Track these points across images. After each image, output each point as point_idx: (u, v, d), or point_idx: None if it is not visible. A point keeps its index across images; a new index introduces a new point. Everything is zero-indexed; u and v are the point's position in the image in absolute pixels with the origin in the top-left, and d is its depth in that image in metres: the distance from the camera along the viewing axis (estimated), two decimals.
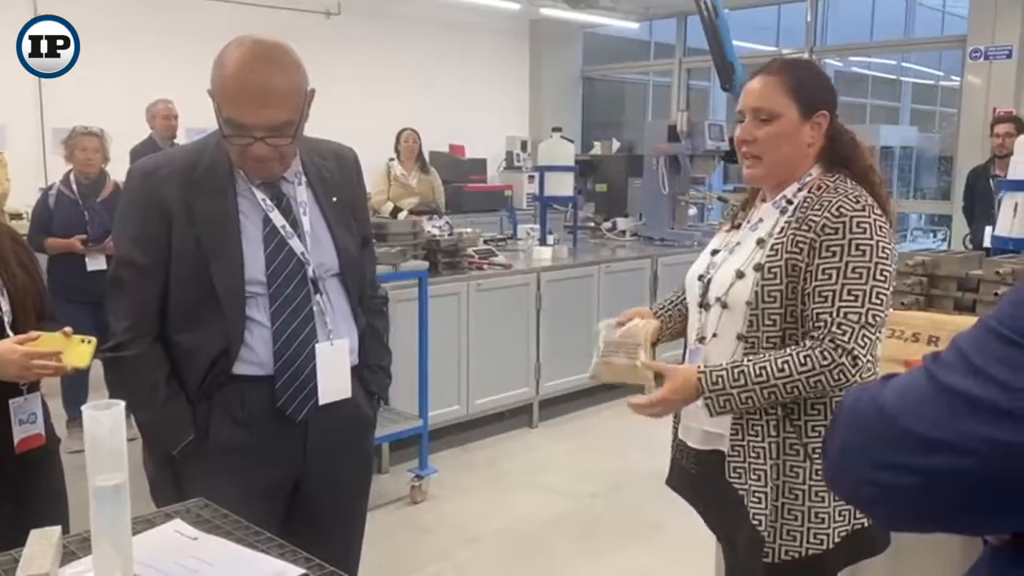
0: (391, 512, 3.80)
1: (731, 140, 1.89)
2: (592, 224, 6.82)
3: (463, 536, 3.58)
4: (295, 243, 1.75)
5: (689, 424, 1.82)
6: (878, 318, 1.58)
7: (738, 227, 1.81)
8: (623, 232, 6.43)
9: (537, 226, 5.83)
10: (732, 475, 1.69)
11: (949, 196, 7.74)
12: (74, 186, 4.40)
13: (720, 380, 1.60)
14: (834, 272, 1.59)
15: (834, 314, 1.57)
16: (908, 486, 0.67)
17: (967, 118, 7.21)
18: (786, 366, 1.57)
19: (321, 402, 1.77)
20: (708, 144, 5.97)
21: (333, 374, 1.79)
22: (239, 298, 1.69)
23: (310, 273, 1.76)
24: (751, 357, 1.62)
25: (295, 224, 1.76)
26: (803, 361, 1.56)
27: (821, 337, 1.57)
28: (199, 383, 1.72)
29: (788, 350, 1.60)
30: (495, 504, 3.92)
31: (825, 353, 1.55)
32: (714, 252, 1.82)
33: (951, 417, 0.64)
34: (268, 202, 1.74)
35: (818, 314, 1.59)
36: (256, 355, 1.72)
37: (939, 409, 0.65)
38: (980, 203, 5.53)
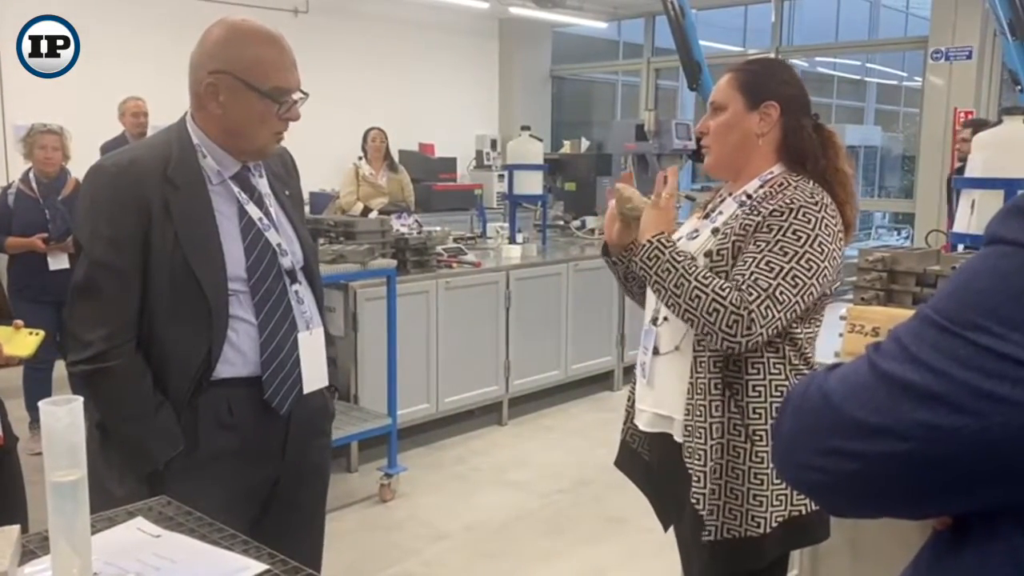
0: (360, 510, 3.79)
1: (698, 139, 1.94)
2: (561, 223, 6.85)
3: (432, 533, 3.58)
4: (271, 235, 1.73)
5: (640, 408, 1.88)
6: (786, 297, 1.60)
7: (707, 216, 1.86)
8: (592, 230, 6.46)
9: (506, 224, 5.84)
10: (686, 456, 1.72)
11: (912, 195, 7.87)
12: (34, 184, 4.33)
13: (670, 245, 1.68)
14: (763, 245, 1.64)
15: (746, 276, 1.62)
16: (850, 471, 0.68)
17: (929, 118, 7.33)
18: (711, 281, 1.62)
19: (305, 391, 1.77)
20: (676, 143, 6.03)
21: (313, 362, 1.80)
22: (224, 296, 1.66)
23: (286, 264, 1.75)
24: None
25: (268, 216, 1.75)
26: (722, 289, 1.60)
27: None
28: (186, 389, 1.66)
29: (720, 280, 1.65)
30: (464, 501, 3.92)
31: (737, 298, 1.59)
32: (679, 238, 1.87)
33: (890, 403, 0.66)
34: (243, 195, 1.72)
35: (733, 276, 1.64)
36: (242, 355, 1.68)
37: (879, 396, 0.67)
38: None
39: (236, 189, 1.71)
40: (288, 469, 1.80)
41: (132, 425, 1.66)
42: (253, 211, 1.72)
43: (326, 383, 1.86)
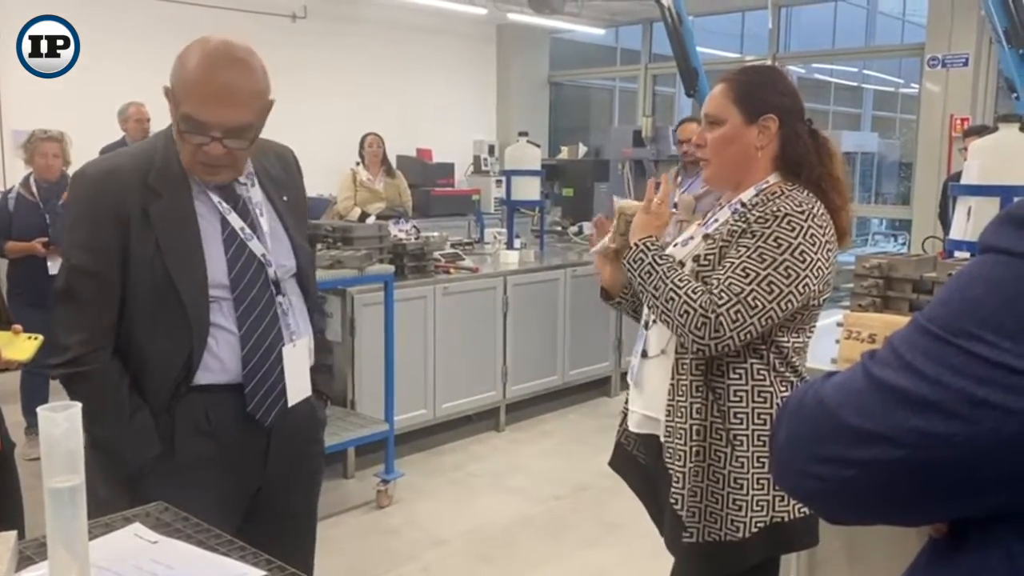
0: (358, 516, 3.78)
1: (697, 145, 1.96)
2: (559, 228, 6.86)
3: (430, 539, 3.58)
4: (255, 245, 1.71)
5: (632, 409, 1.90)
6: (759, 303, 1.61)
7: (705, 223, 1.86)
8: (590, 236, 6.47)
9: (504, 230, 5.85)
10: (666, 456, 1.74)
11: (909, 201, 7.88)
12: (34, 188, 4.34)
13: (654, 249, 1.72)
14: (743, 251, 1.65)
15: (721, 280, 1.63)
16: (847, 478, 0.69)
17: (925, 125, 7.35)
18: (686, 284, 1.65)
19: (290, 404, 1.76)
20: (673, 149, 6.05)
21: (297, 375, 1.79)
22: (203, 303, 1.65)
23: (272, 275, 1.73)
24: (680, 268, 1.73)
25: (253, 226, 1.73)
26: (694, 292, 1.63)
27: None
28: (164, 394, 1.66)
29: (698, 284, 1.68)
30: (462, 507, 3.92)
31: (707, 301, 1.61)
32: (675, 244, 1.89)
33: (884, 410, 0.66)
34: (224, 204, 1.70)
35: (710, 280, 1.66)
36: (221, 363, 1.68)
37: (873, 403, 0.67)
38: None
39: (216, 199, 1.69)
40: (271, 479, 1.79)
41: (108, 429, 1.65)
42: (235, 221, 1.70)
43: (309, 393, 1.84)
